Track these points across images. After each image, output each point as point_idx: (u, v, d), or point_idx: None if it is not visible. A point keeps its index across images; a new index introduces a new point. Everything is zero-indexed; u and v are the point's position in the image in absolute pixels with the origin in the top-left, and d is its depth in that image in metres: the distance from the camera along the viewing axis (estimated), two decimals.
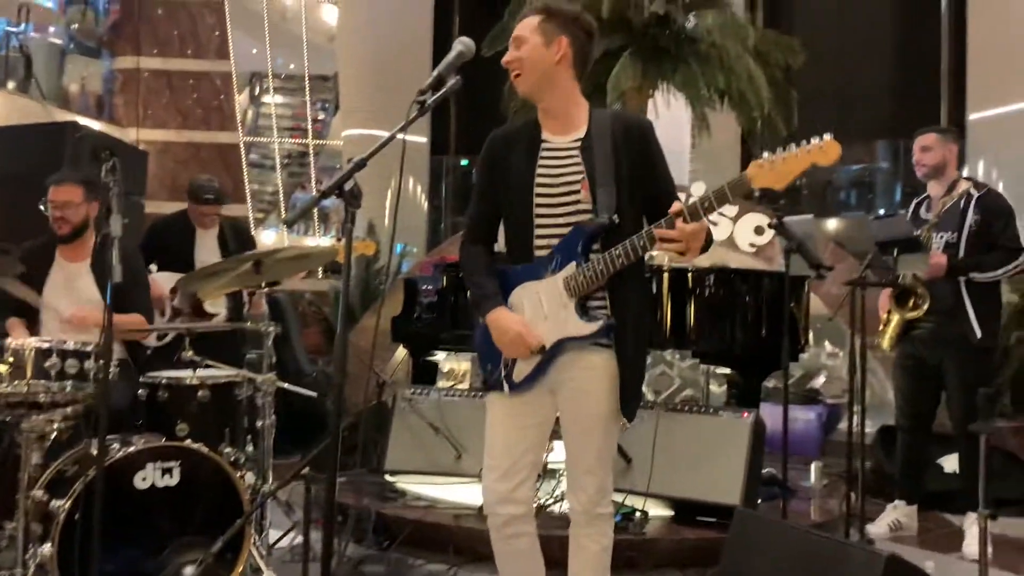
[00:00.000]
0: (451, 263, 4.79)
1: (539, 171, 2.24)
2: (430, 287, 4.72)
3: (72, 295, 3.34)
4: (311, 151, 11.08)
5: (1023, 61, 7.57)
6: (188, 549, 2.71)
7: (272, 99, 11.12)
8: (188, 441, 2.84)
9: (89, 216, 3.37)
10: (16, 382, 2.62)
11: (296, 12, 10.90)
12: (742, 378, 4.15)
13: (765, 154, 2.03)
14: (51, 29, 9.95)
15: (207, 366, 3.15)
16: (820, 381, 6.01)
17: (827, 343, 6.38)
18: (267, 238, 10.46)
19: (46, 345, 2.69)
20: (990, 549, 2.92)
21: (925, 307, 3.61)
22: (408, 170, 10.11)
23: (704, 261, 3.89)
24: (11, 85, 8.98)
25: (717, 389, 5.56)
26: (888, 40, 9.63)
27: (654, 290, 3.99)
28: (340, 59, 10.40)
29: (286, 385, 3.48)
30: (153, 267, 4.31)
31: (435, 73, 1.97)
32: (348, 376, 5.34)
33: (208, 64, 10.09)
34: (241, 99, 10.63)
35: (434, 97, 1.96)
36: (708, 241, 2.17)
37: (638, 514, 3.48)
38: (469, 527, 3.45)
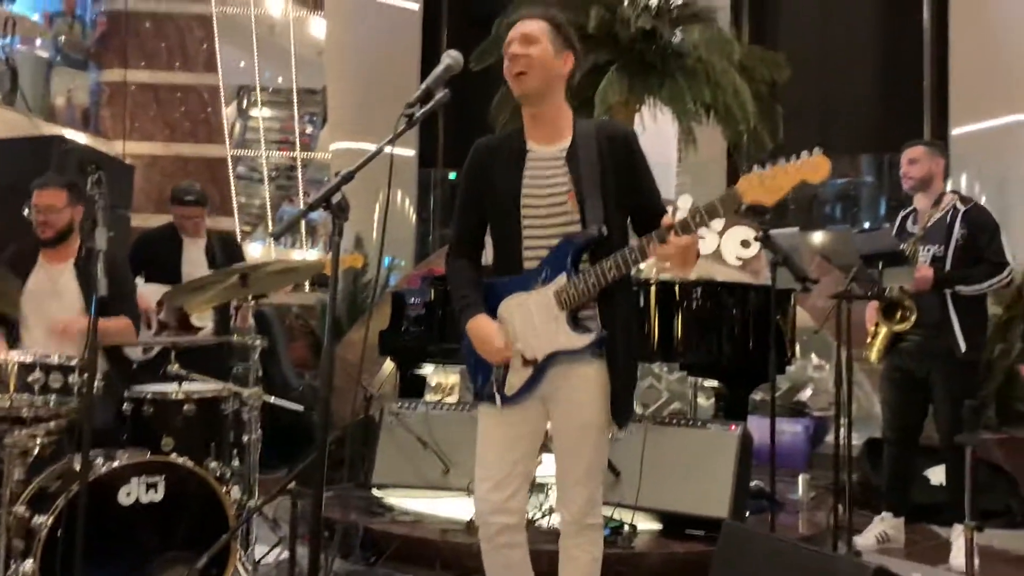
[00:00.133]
0: (439, 276, 4.78)
1: (525, 182, 2.24)
2: (418, 300, 4.71)
3: (55, 296, 3.31)
4: (299, 164, 11.07)
5: (1004, 77, 7.67)
6: (173, 565, 2.69)
7: (260, 112, 11.11)
8: (173, 456, 2.82)
9: (73, 220, 3.35)
10: None
11: (284, 26, 10.91)
12: (729, 391, 4.16)
13: (755, 168, 2.03)
14: (38, 42, 9.91)
15: (193, 380, 3.13)
16: (807, 394, 6.04)
17: (813, 356, 6.40)
18: (254, 251, 10.42)
19: (30, 359, 2.67)
20: (977, 561, 2.93)
21: (912, 319, 3.63)
22: (396, 183, 10.11)
23: (691, 274, 3.91)
24: None
25: (705, 402, 5.57)
26: (871, 56, 9.73)
27: (641, 303, 4.00)
28: (328, 72, 10.41)
29: (272, 399, 3.46)
30: (140, 280, 4.29)
31: (423, 86, 1.97)
32: (335, 390, 5.32)
33: (196, 77, 10.07)
34: (229, 112, 10.62)
35: (422, 110, 1.96)
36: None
37: (627, 528, 3.47)
38: (457, 542, 3.43)
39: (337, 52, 10.32)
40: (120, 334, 3.31)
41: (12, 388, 2.61)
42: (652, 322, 4.01)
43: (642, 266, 4.07)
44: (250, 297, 3.35)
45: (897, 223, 3.99)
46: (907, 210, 3.99)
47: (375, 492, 4.03)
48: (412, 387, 4.88)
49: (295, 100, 10.91)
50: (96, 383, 2.71)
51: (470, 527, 3.44)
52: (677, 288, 4.03)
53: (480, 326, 2.23)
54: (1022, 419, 5.22)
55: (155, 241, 4.47)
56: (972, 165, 8.01)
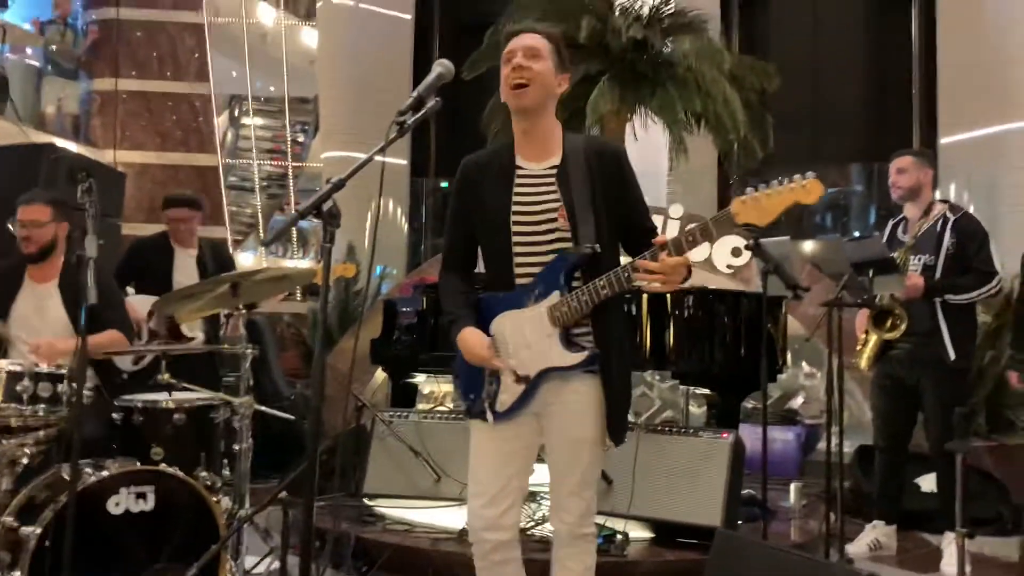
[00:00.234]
0: (430, 284, 4.78)
1: (515, 199, 2.23)
2: (409, 309, 4.70)
3: (40, 316, 3.30)
4: (290, 173, 11.05)
5: (992, 86, 7.73)
6: (163, 575, 2.66)
7: (252, 121, 11.10)
8: (163, 465, 2.80)
9: (57, 236, 3.34)
10: None
11: (276, 35, 10.91)
12: (721, 398, 4.16)
13: (748, 190, 2.05)
14: (28, 50, 9.89)
15: (183, 389, 3.12)
16: (798, 402, 6.05)
17: (804, 364, 6.42)
18: (246, 260, 10.39)
19: (18, 368, 2.66)
20: (968, 568, 2.93)
21: (902, 328, 3.65)
22: (388, 192, 10.10)
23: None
24: None
25: (697, 410, 5.57)
26: (860, 66, 9.80)
27: (634, 311, 4.01)
28: (320, 82, 10.41)
29: (263, 408, 3.44)
30: (130, 289, 4.28)
31: (415, 94, 1.97)
32: (326, 399, 5.30)
33: (187, 86, 10.05)
34: (220, 121, 10.59)
35: (414, 118, 1.96)
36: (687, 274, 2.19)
37: (619, 536, 3.46)
38: (448, 551, 3.42)
39: (329, 61, 10.32)
40: (112, 346, 3.30)
41: (0, 397, 2.59)
42: (644, 330, 4.02)
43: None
44: (241, 307, 3.33)
45: (887, 231, 4.01)
46: (897, 218, 4.01)
47: (366, 501, 4.01)
48: (404, 396, 4.87)
49: (287, 109, 10.90)
50: (85, 392, 2.70)
51: (462, 536, 3.43)
52: (669, 296, 4.03)
53: (466, 337, 2.22)
54: (1012, 426, 5.24)
55: (147, 250, 4.46)
56: (961, 174, 8.06)
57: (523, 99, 2.22)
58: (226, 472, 3.13)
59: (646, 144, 7.69)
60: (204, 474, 2.96)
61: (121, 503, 2.66)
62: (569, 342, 2.19)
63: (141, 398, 3.02)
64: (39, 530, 2.49)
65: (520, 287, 2.23)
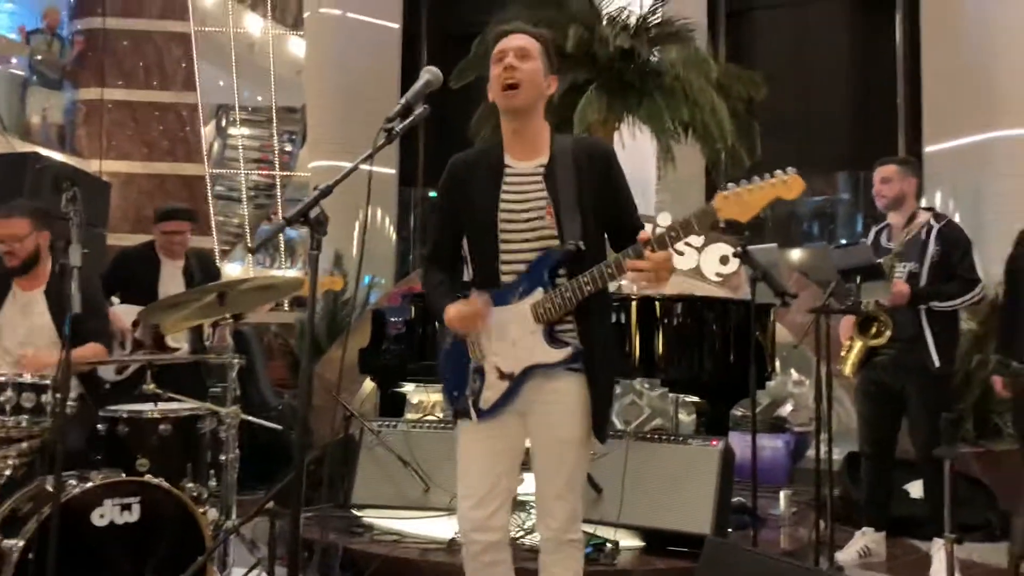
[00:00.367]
0: (419, 293, 4.77)
1: (503, 197, 2.24)
2: (398, 319, 4.69)
3: (26, 323, 3.27)
4: (278, 183, 11.02)
5: (976, 94, 7.79)
6: None
7: (239, 131, 11.07)
8: (148, 476, 2.77)
9: (40, 246, 3.31)
10: None
11: (263, 44, 10.90)
12: (710, 406, 4.16)
13: (730, 185, 2.05)
14: (13, 60, 9.85)
15: (169, 399, 3.09)
16: (787, 409, 6.05)
17: (793, 371, 6.43)
18: (233, 270, 10.34)
19: (1, 379, 2.62)
20: (957, 574, 2.93)
21: (888, 334, 3.66)
22: (377, 201, 10.08)
23: (671, 290, 3.92)
24: None
25: (686, 418, 5.57)
26: (846, 75, 9.87)
27: (622, 319, 4.01)
28: (308, 91, 10.40)
29: (250, 418, 3.41)
30: (115, 299, 4.24)
31: (402, 101, 1.96)
32: (315, 409, 5.27)
33: (174, 96, 10.03)
34: (208, 131, 10.56)
35: (402, 125, 1.96)
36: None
37: (609, 545, 3.45)
38: (438, 561, 3.40)
39: (316, 71, 10.32)
40: (93, 358, 3.27)
41: None
42: (633, 338, 4.02)
43: (623, 282, 4.09)
44: (228, 316, 3.31)
45: (871, 237, 4.03)
46: (880, 225, 4.03)
47: (355, 512, 3.99)
48: (392, 405, 4.85)
49: (274, 119, 10.88)
50: (69, 403, 2.67)
51: (451, 546, 3.41)
52: (658, 304, 4.04)
53: (454, 307, 2.21)
54: (999, 432, 5.27)
55: (133, 260, 4.42)
56: (946, 182, 8.11)
57: (514, 100, 2.22)
58: (212, 483, 3.10)
59: (634, 153, 7.71)
60: (190, 485, 2.94)
61: (106, 515, 2.62)
62: (553, 339, 2.18)
63: (126, 408, 2.99)
64: (22, 543, 2.45)
65: (505, 285, 2.23)
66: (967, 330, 5.44)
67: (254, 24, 10.93)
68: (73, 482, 2.63)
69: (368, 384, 5.89)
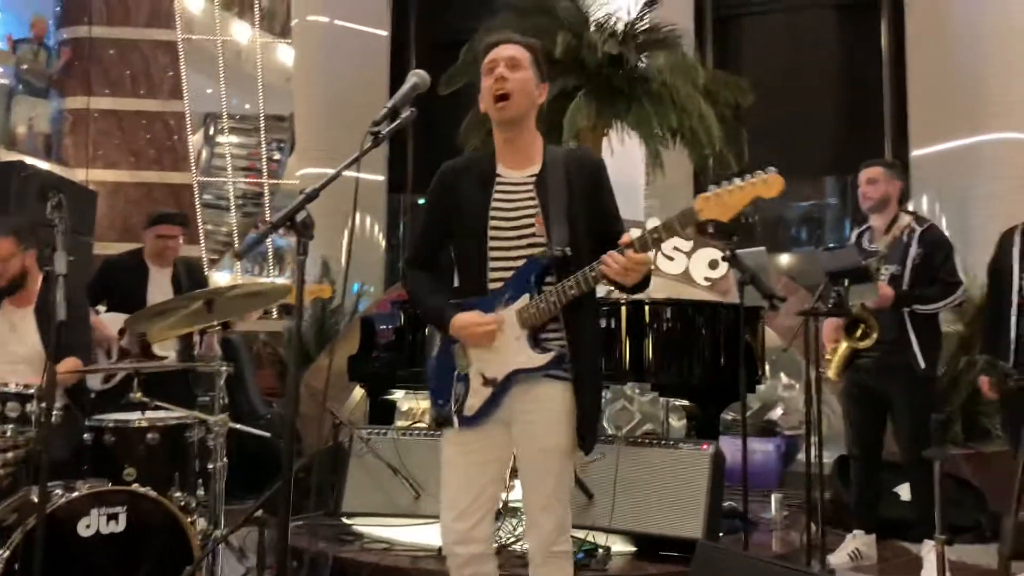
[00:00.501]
0: (408, 300, 4.74)
1: (494, 204, 2.24)
2: (387, 326, 4.67)
3: (17, 340, 3.26)
4: (266, 191, 10.99)
5: (961, 98, 7.85)
6: None
7: (227, 139, 11.04)
8: (136, 485, 2.75)
9: (26, 265, 3.28)
10: None
11: (251, 52, 10.88)
12: (701, 410, 4.16)
13: (711, 187, 2.07)
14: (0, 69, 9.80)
15: (156, 407, 3.07)
16: (777, 413, 6.06)
17: (783, 375, 6.45)
18: (221, 279, 10.29)
19: None
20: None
21: (874, 337, 3.67)
22: (365, 208, 10.07)
23: (660, 295, 3.93)
24: None
25: (677, 423, 5.57)
26: (832, 80, 9.92)
27: (613, 325, 4.01)
28: (296, 99, 10.38)
29: (239, 426, 3.39)
30: (101, 308, 4.21)
31: (389, 104, 1.96)
32: (303, 417, 5.24)
33: (161, 104, 9.99)
34: (195, 139, 10.53)
35: (388, 128, 1.95)
36: (646, 281, 2.20)
37: (600, 551, 3.44)
38: (428, 569, 3.38)
39: (305, 78, 10.30)
40: (70, 372, 3.24)
41: None
42: (623, 343, 4.01)
43: (613, 289, 4.09)
44: (216, 324, 3.29)
45: (852, 240, 4.05)
46: (862, 228, 4.05)
47: (345, 520, 3.96)
48: (382, 413, 4.83)
49: (262, 127, 10.86)
50: (55, 412, 2.64)
51: (442, 554, 3.38)
52: (647, 309, 4.04)
53: (460, 317, 2.20)
54: (988, 434, 5.28)
55: (120, 268, 4.39)
56: (933, 186, 8.16)
57: (506, 111, 2.23)
58: (201, 492, 3.07)
59: (623, 159, 7.73)
60: (178, 494, 2.91)
61: (92, 525, 2.60)
62: (537, 343, 2.18)
63: (113, 417, 2.96)
64: (7, 553, 2.43)
65: (492, 291, 2.22)
66: (954, 332, 5.47)
67: (242, 32, 10.91)
68: (59, 492, 2.61)
69: (357, 392, 5.86)
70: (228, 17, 10.80)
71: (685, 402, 4.64)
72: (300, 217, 1.75)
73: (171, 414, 3.06)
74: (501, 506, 3.72)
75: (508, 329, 2.19)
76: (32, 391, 2.65)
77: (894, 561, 3.96)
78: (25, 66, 9.76)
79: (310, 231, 1.74)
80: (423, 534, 3.70)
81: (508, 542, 3.49)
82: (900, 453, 3.84)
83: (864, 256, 3.83)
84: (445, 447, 2.28)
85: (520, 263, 2.21)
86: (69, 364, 3.22)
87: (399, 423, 5.40)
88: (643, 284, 2.21)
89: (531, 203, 2.23)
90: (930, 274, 3.74)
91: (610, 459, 3.58)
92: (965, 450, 5.01)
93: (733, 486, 3.99)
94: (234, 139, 11.06)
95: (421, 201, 10.97)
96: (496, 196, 2.25)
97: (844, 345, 3.78)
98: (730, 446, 3.95)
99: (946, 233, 4.07)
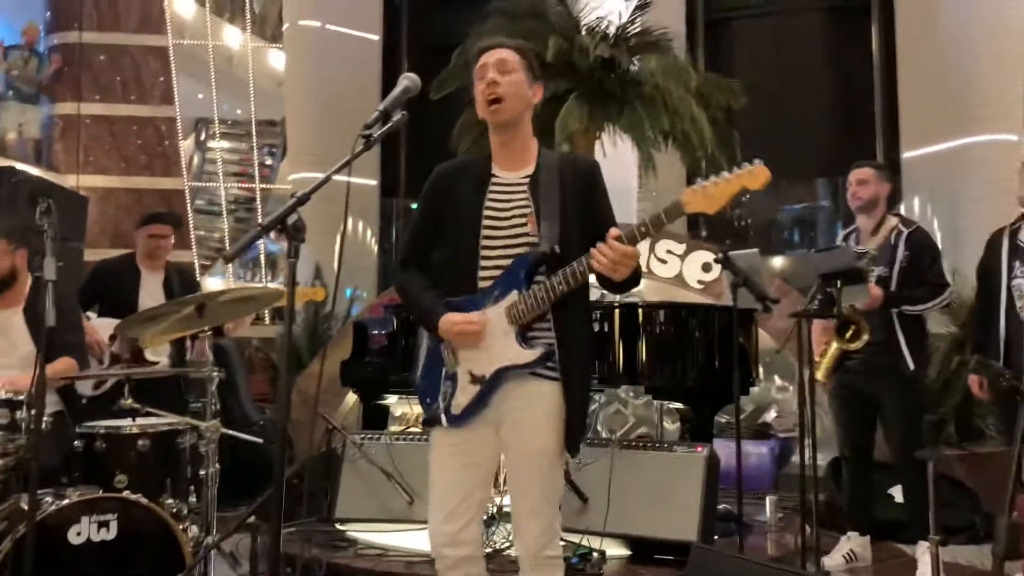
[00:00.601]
0: (401, 304, 4.73)
1: (487, 204, 2.25)
2: (380, 331, 4.65)
3: (7, 342, 3.23)
4: (258, 196, 10.97)
5: (952, 100, 7.89)
6: None
7: (218, 144, 11.02)
8: (127, 493, 2.72)
9: (16, 265, 3.27)
10: None
11: (243, 57, 10.86)
12: (694, 413, 4.16)
13: (698, 180, 2.09)
14: None
15: (148, 414, 3.05)
16: (771, 415, 6.07)
17: (776, 378, 6.45)
18: (214, 285, 10.26)
19: None
20: None
21: (865, 338, 3.68)
22: (358, 213, 10.05)
23: (653, 297, 3.92)
24: None
25: (671, 425, 5.56)
26: (824, 83, 9.96)
27: (606, 328, 4.00)
28: (288, 104, 10.37)
29: (231, 432, 3.37)
30: (92, 313, 4.19)
31: (381, 107, 1.95)
32: (296, 422, 5.22)
33: (152, 110, 9.97)
34: (187, 145, 10.51)
35: (380, 131, 1.94)
36: (636, 278, 2.19)
37: (595, 555, 3.43)
38: (422, 574, 3.36)
39: (296, 83, 10.28)
40: (66, 373, 3.22)
41: None
42: (616, 346, 4.01)
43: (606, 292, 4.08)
44: (207, 329, 3.27)
45: (839, 240, 4.06)
46: (849, 229, 4.07)
47: (338, 526, 3.94)
48: (375, 418, 4.81)
49: (254, 132, 10.84)
50: (45, 419, 2.62)
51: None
52: (641, 311, 4.04)
53: (447, 318, 2.19)
54: (982, 435, 5.30)
55: (112, 272, 4.37)
56: (924, 188, 8.19)
57: (499, 114, 2.24)
58: (193, 499, 3.05)
59: (615, 161, 7.73)
60: (170, 501, 2.89)
61: (83, 532, 2.58)
62: (525, 340, 2.17)
63: (104, 424, 2.94)
64: None
65: (482, 290, 2.22)
66: (947, 333, 5.48)
67: (233, 37, 10.89)
68: (49, 499, 2.58)
69: (350, 397, 5.84)
70: (219, 22, 10.78)
71: (679, 405, 4.63)
72: (291, 220, 1.74)
73: (163, 420, 3.04)
74: (495, 511, 3.71)
75: (497, 326, 2.18)
76: (22, 398, 2.63)
77: (889, 562, 3.96)
78: (15, 72, 9.73)
79: (301, 234, 1.73)
80: (417, 540, 3.67)
81: (502, 547, 3.47)
82: (891, 455, 3.84)
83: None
84: (434, 448, 2.27)
85: (510, 262, 2.21)
86: (64, 364, 3.19)
87: (392, 428, 5.38)
88: (633, 281, 2.20)
89: (524, 203, 2.23)
90: (917, 276, 3.76)
91: (604, 462, 3.57)
92: (959, 451, 5.02)
93: (727, 489, 3.99)
94: (226, 144, 11.04)
95: (414, 205, 10.96)
96: (490, 196, 2.26)
97: (834, 347, 3.79)
98: (724, 449, 3.95)
99: (937, 235, 4.10)
